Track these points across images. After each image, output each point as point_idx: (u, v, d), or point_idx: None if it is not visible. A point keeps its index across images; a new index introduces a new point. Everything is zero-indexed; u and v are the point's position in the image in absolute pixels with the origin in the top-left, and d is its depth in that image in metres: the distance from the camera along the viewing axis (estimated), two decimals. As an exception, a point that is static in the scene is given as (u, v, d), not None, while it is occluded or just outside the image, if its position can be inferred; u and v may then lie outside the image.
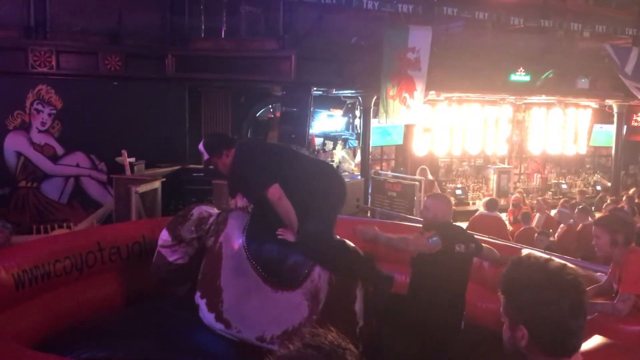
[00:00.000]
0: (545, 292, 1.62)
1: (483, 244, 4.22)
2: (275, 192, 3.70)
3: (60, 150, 8.03)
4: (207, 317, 3.71)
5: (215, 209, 4.23)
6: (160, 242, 4.11)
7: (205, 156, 3.99)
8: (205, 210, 4.10)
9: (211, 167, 4.00)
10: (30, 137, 7.92)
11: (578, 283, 1.65)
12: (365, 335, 3.66)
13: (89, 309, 4.65)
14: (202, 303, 3.75)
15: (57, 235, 5.73)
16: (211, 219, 4.04)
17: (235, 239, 3.86)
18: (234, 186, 4.18)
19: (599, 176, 14.18)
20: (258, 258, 3.77)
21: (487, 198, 9.53)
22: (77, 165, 8.12)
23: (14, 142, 7.88)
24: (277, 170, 3.79)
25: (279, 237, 3.80)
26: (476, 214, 8.66)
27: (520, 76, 10.78)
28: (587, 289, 3.78)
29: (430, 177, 10.46)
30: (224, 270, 3.77)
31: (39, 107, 7.91)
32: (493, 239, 5.18)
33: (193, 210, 4.06)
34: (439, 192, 9.50)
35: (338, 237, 3.88)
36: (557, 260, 1.75)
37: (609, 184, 12.67)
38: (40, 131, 7.95)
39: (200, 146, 4.03)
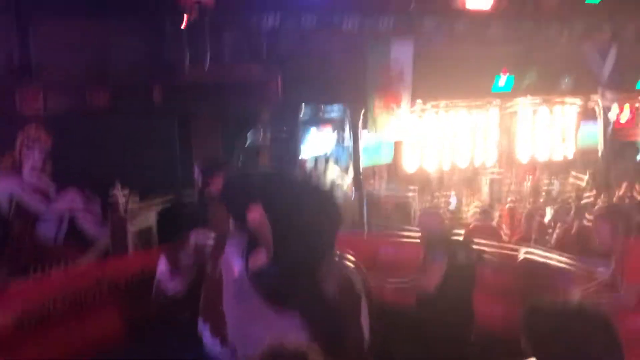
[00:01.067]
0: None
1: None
2: (255, 214, 3.68)
3: (53, 188, 7.99)
4: (212, 343, 3.69)
5: (212, 234, 4.22)
6: (158, 271, 4.10)
7: (199, 179, 4.02)
8: (202, 236, 4.10)
9: (205, 190, 4.03)
10: (21, 178, 7.86)
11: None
12: (374, 349, 3.65)
13: (92, 346, 4.63)
14: (205, 329, 3.73)
15: (54, 274, 5.71)
16: (209, 244, 4.04)
17: (234, 263, 3.84)
18: (227, 209, 4.18)
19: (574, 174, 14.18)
20: (259, 281, 3.75)
21: (478, 209, 9.62)
22: (71, 203, 8.06)
23: (6, 185, 7.80)
24: (262, 195, 3.77)
25: (251, 259, 3.78)
26: (471, 225, 8.70)
27: (504, 79, 10.92)
28: (592, 284, 3.82)
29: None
30: (226, 295, 3.75)
31: (29, 147, 7.88)
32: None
33: (190, 237, 4.06)
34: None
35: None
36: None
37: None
38: (31, 171, 7.90)
39: (195, 169, 4.08)
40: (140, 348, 4.52)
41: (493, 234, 8.14)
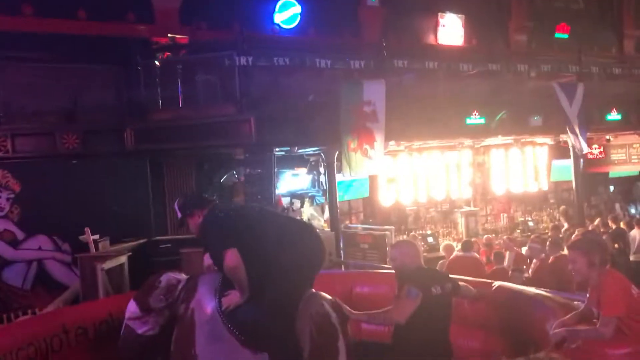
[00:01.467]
0: None
1: (459, 282, 4.19)
2: (231, 259, 3.58)
3: (20, 234, 7.81)
4: (183, 390, 3.54)
5: (183, 275, 4.11)
6: (127, 314, 3.96)
7: (178, 215, 3.95)
8: (173, 277, 3.98)
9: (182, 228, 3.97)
10: (-13, 224, 7.70)
11: None
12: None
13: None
14: (177, 375, 3.59)
15: (19, 322, 5.49)
16: (180, 285, 3.92)
17: (207, 304, 3.74)
18: (205, 247, 4.12)
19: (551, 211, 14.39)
20: (233, 321, 3.64)
21: (449, 243, 9.63)
22: (40, 249, 7.89)
23: (-29, 231, 7.65)
24: (241, 235, 3.69)
25: (224, 300, 3.69)
26: (452, 256, 8.67)
27: (475, 119, 11.07)
28: (568, 316, 3.78)
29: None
30: (199, 337, 3.63)
31: (-4, 192, 7.74)
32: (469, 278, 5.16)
33: (161, 278, 3.94)
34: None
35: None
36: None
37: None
38: (-2, 217, 7.74)
39: (175, 205, 4.01)
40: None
41: (475, 264, 8.12)
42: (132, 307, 3.95)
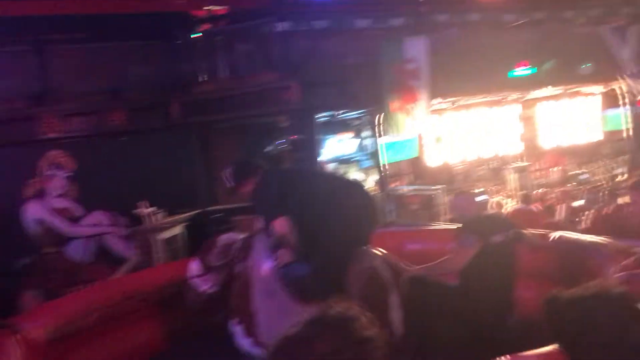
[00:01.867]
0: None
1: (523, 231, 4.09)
2: (281, 226, 3.65)
3: (79, 211, 8.05)
4: (244, 342, 3.66)
5: (240, 235, 4.23)
6: (190, 273, 4.12)
7: (229, 183, 3.98)
8: (230, 237, 4.13)
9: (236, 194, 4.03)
10: (48, 203, 7.96)
11: None
12: (405, 343, 3.55)
13: (129, 358, 4.62)
14: (237, 329, 3.70)
15: (85, 290, 5.73)
16: (237, 245, 4.04)
17: (262, 262, 3.84)
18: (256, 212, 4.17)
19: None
20: (286, 278, 3.72)
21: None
22: (98, 224, 8.12)
23: (34, 210, 7.91)
24: (290, 199, 3.73)
25: (278, 257, 3.75)
26: (511, 209, 8.55)
27: (522, 71, 10.76)
28: (629, 259, 3.67)
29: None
30: (255, 294, 3.74)
31: (53, 172, 7.97)
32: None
33: (219, 238, 4.09)
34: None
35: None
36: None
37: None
38: (57, 196, 7.99)
39: (225, 174, 4.05)
40: (177, 356, 4.50)
41: (533, 216, 7.99)
42: (193, 267, 4.12)
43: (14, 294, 6.81)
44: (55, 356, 4.03)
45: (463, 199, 4.09)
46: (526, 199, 8.32)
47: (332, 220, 3.70)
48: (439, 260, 3.89)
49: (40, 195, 7.95)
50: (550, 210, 8.36)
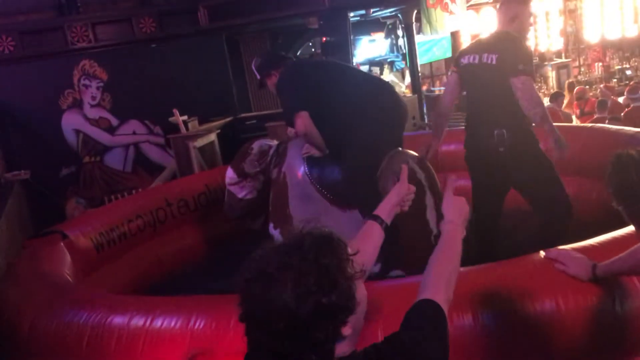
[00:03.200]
0: None
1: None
2: (301, 122, 3.52)
3: (114, 121, 8.17)
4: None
5: (274, 141, 4.22)
6: (227, 180, 4.18)
7: (257, 76, 3.95)
8: (265, 143, 4.13)
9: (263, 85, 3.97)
10: (84, 113, 8.08)
11: None
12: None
13: (170, 263, 4.80)
14: (275, 233, 3.78)
15: (127, 198, 5.89)
16: (272, 151, 4.05)
17: (297, 167, 3.84)
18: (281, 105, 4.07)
19: None
20: (322, 182, 3.74)
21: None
22: (134, 133, 8.25)
23: (71, 121, 8.07)
24: (315, 93, 3.58)
25: (305, 154, 3.76)
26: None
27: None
28: None
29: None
30: (292, 199, 3.78)
31: (86, 82, 8.03)
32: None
33: (253, 145, 4.10)
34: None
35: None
36: None
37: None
38: (92, 106, 8.09)
39: (252, 66, 3.98)
40: (218, 260, 4.65)
41: (563, 119, 7.78)
42: (230, 174, 4.16)
43: (59, 202, 7.06)
44: (101, 261, 4.21)
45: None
46: (557, 100, 7.97)
47: (362, 118, 3.59)
48: None
49: (76, 105, 8.06)
50: (602, 104, 7.99)
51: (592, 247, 2.44)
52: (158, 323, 2.44)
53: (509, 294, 2.24)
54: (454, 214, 1.75)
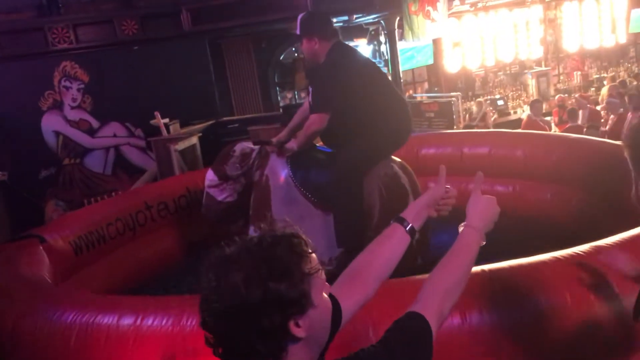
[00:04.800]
0: None
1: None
2: (319, 120, 3.57)
3: (95, 123, 8.11)
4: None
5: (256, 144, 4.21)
6: (207, 182, 4.15)
7: (297, 30, 3.74)
8: (247, 146, 4.10)
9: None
10: (64, 114, 8.02)
11: None
12: (421, 247, 3.60)
13: (149, 266, 4.77)
14: (256, 237, 3.75)
15: (107, 200, 5.84)
16: (254, 154, 4.03)
17: (280, 170, 3.85)
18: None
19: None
20: (306, 185, 3.75)
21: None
22: (115, 135, 8.20)
23: (51, 122, 8.00)
24: (352, 96, 3.57)
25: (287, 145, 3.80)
26: (525, 119, 8.42)
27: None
28: None
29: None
30: (274, 202, 3.78)
31: (67, 83, 7.96)
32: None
33: (235, 147, 4.08)
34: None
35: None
36: None
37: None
38: (72, 107, 8.02)
39: (298, 18, 3.77)
40: (197, 263, 4.62)
41: (542, 126, 7.89)
42: (210, 176, 4.13)
43: (38, 204, 6.99)
44: (80, 264, 4.17)
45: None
46: (536, 107, 8.07)
47: (375, 130, 3.62)
48: None
49: (56, 107, 7.99)
50: (572, 114, 8.17)
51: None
52: (148, 322, 2.47)
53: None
54: (476, 218, 1.62)
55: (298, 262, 1.25)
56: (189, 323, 2.39)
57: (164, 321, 2.44)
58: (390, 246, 1.68)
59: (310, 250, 1.29)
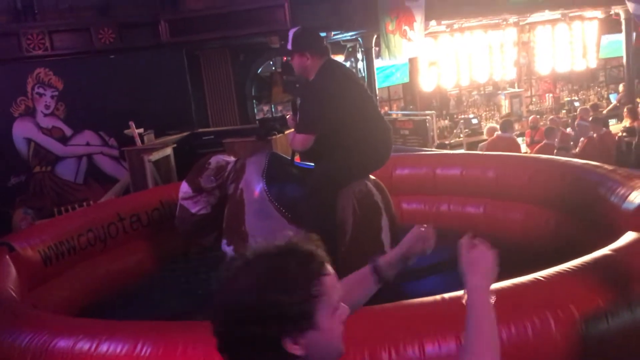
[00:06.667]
0: None
1: None
2: (303, 141, 3.56)
3: (68, 131, 8.01)
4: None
5: (231, 157, 4.21)
6: (181, 194, 4.13)
7: (289, 45, 3.68)
8: (222, 159, 4.11)
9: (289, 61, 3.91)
10: (36, 121, 7.90)
11: None
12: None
13: (119, 278, 4.70)
14: (229, 250, 3.76)
15: (78, 211, 5.76)
16: (229, 167, 4.03)
17: (255, 184, 3.85)
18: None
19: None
20: (280, 200, 3.75)
21: (492, 126, 9.40)
22: (87, 144, 8.10)
23: (22, 129, 7.88)
24: (334, 115, 3.55)
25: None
26: (493, 137, 8.52)
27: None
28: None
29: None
30: (248, 216, 3.77)
31: (41, 90, 7.86)
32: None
33: (210, 160, 4.07)
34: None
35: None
36: None
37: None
38: (45, 115, 7.92)
39: (290, 32, 3.72)
40: (168, 277, 4.59)
41: (512, 145, 7.99)
42: (184, 188, 4.13)
43: (6, 212, 6.86)
44: (48, 274, 4.10)
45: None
46: (506, 127, 8.17)
47: (356, 149, 3.61)
48: None
49: (29, 113, 7.88)
50: (550, 132, 8.22)
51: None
52: (104, 348, 2.42)
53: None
54: (477, 276, 1.45)
55: (306, 281, 1.22)
56: (143, 352, 2.32)
57: (119, 348, 2.38)
58: (360, 292, 1.70)
59: (327, 273, 1.27)
